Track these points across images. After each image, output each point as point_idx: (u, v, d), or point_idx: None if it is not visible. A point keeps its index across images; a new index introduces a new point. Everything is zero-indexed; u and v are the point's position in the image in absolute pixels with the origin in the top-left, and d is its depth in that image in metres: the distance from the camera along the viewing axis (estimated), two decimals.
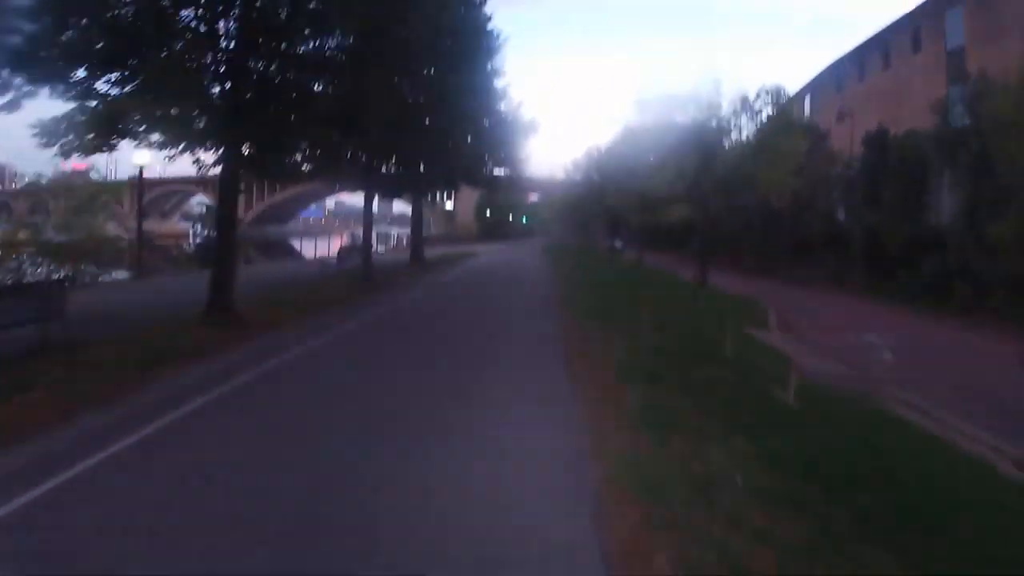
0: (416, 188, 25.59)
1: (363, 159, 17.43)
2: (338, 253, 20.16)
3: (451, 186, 30.42)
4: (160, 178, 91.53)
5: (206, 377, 6.86)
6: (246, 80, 9.55)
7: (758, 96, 19.37)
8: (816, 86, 40.15)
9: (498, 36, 23.35)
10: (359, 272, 17.57)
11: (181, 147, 9.56)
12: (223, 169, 10.13)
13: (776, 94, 19.28)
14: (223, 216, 10.72)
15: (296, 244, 53.19)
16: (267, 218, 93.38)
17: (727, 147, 19.76)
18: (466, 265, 28.84)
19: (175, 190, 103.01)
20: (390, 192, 26.36)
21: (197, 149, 9.75)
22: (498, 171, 30.09)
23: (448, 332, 10.68)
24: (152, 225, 70.31)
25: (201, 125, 9.23)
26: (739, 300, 17.88)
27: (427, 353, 8.71)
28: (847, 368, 10.73)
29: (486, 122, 25.86)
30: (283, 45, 9.74)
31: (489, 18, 22.77)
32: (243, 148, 10.27)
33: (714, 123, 19.46)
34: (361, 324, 10.98)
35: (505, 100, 26.32)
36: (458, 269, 26.02)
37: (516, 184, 36.32)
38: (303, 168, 13.73)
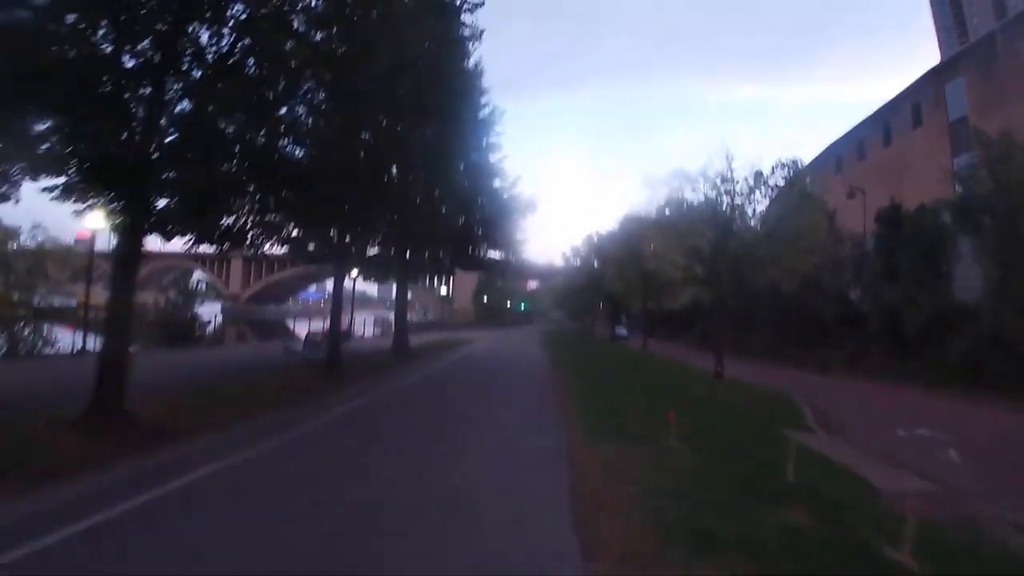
0: (400, 270, 23.80)
1: (334, 235, 15.65)
2: (305, 339, 17.75)
3: (441, 270, 28.74)
4: (158, 252, 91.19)
5: (27, 518, 4.58)
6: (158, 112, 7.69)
7: (773, 171, 18.04)
8: (815, 167, 40.12)
9: (494, 110, 22.44)
10: (326, 362, 15.24)
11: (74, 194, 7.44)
12: (120, 229, 8.03)
13: (792, 168, 17.92)
14: (116, 292, 8.10)
15: (293, 325, 51.70)
16: (265, 297, 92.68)
17: (743, 224, 18.19)
18: (456, 355, 26.28)
19: (173, 265, 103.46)
20: (374, 274, 24.60)
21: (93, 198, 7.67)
22: (493, 254, 28.03)
23: (407, 462, 7.03)
24: (145, 298, 69.53)
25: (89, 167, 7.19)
26: (762, 393, 15.77)
27: (366, 510, 5.24)
28: (922, 480, 8.81)
29: (480, 200, 24.25)
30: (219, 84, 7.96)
31: (484, 91, 21.93)
32: (155, 201, 8.11)
33: (729, 199, 17.99)
34: (297, 438, 8.28)
35: (501, 177, 24.73)
36: (446, 360, 23.34)
37: (513, 268, 34.48)
38: (246, 235, 11.69)
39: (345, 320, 40.53)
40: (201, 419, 8.60)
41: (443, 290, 76.76)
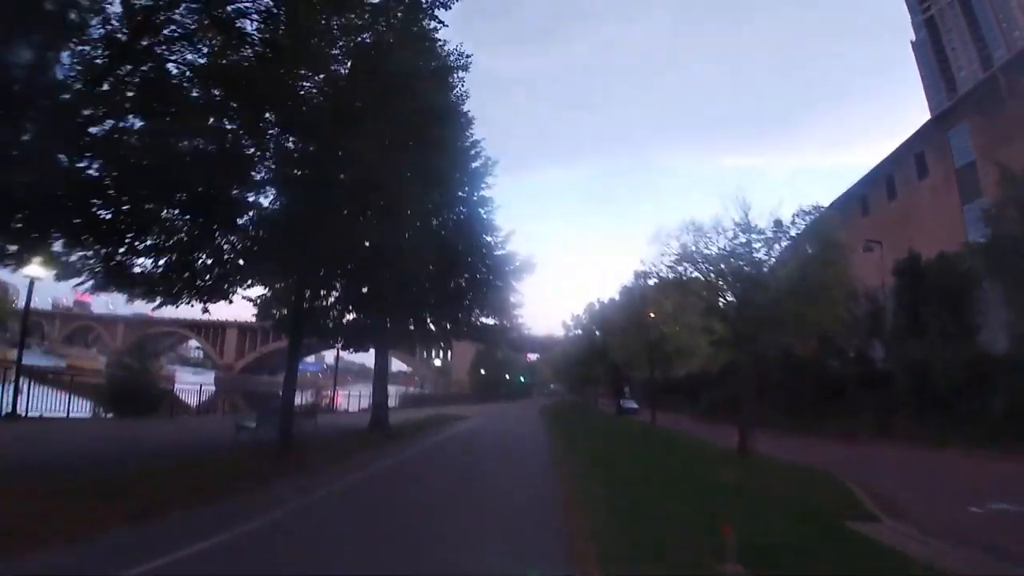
0: (379, 338, 21.59)
1: (291, 295, 13.70)
2: (259, 415, 15.27)
3: (429, 338, 26.23)
4: (151, 316, 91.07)
5: None
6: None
7: (794, 220, 16.39)
8: (815, 227, 39.21)
9: (487, 160, 20.63)
10: (285, 441, 12.81)
11: None
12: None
13: (814, 215, 16.30)
14: None
15: (306, 397, 48.85)
16: (260, 368, 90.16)
17: (769, 277, 16.33)
18: (445, 433, 23.40)
19: (168, 332, 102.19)
20: (351, 342, 22.37)
21: None
22: (488, 320, 25.13)
23: None
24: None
25: None
26: (799, 473, 13.36)
27: None
28: None
29: (471, 259, 21.76)
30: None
31: (478, 143, 20.47)
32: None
33: (751, 250, 16.26)
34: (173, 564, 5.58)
35: (493, 233, 22.33)
36: (432, 439, 20.54)
37: (509, 336, 31.96)
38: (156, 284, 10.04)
39: (328, 392, 38.38)
40: (61, 520, 6.30)
41: (437, 361, 73.93)
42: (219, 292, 12.46)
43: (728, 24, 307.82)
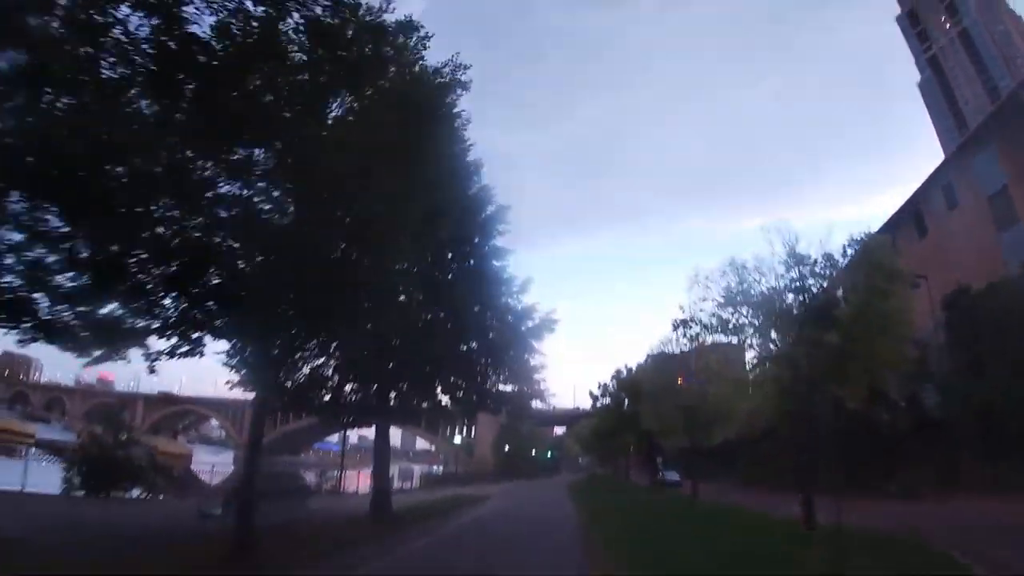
0: (379, 411, 19.01)
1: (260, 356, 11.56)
2: (223, 500, 12.73)
3: (438, 411, 23.31)
4: (172, 394, 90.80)
5: None
6: None
7: (846, 250, 14.24)
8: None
9: (499, 208, 19.00)
10: (240, 537, 10.24)
11: None
12: None
13: (869, 244, 14.06)
14: None
15: (309, 477, 46.12)
16: (280, 447, 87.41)
17: (837, 313, 13.90)
18: (458, 520, 19.85)
19: (187, 410, 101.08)
20: (352, 418, 19.98)
21: None
22: (507, 386, 21.88)
23: None
24: (153, 440, 67.84)
25: None
26: (884, 544, 10.72)
27: None
28: None
29: (487, 317, 19.28)
30: None
31: (489, 190, 18.90)
32: None
33: (805, 285, 14.02)
34: None
35: (509, 286, 19.81)
36: (440, 530, 16.52)
37: (530, 404, 28.69)
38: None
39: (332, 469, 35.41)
40: None
41: (457, 438, 70.01)
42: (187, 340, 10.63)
43: (734, 88, 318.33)
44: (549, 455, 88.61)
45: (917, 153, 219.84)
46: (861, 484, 21.71)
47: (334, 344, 15.52)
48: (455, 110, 13.88)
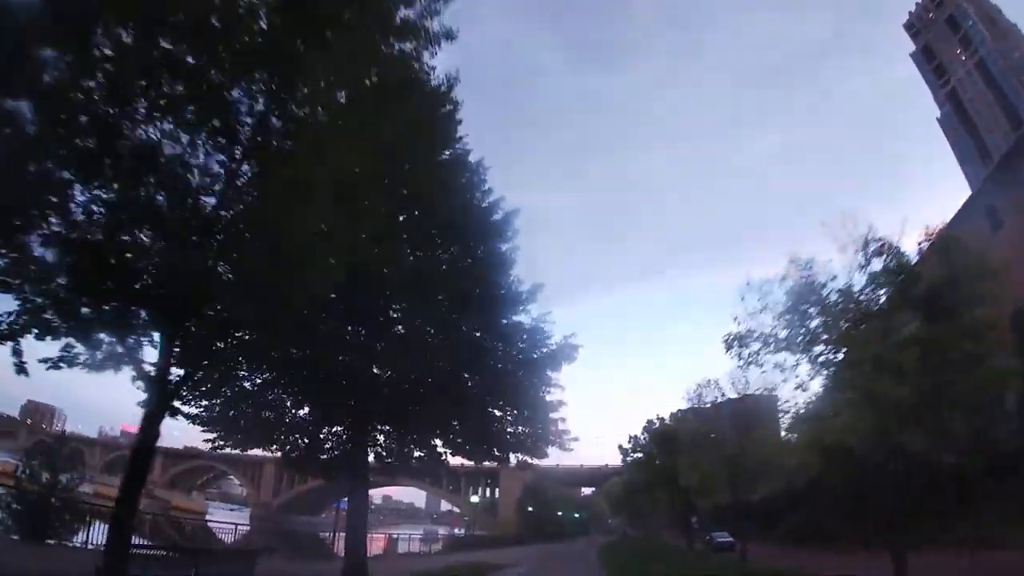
0: (353, 462, 16.24)
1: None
2: (143, 564, 10.06)
3: (438, 466, 19.84)
4: (192, 450, 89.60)
5: None
6: None
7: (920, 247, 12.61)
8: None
9: (509, 213, 16.34)
10: None
11: None
12: None
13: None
14: None
15: (327, 537, 43.14)
16: (297, 506, 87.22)
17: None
18: None
19: (207, 465, 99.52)
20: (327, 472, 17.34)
21: None
22: (523, 430, 18.20)
23: None
24: (166, 495, 68.63)
25: None
26: None
27: None
28: None
29: (497, 347, 16.26)
30: None
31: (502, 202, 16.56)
32: None
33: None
34: None
35: (521, 302, 16.57)
36: None
37: (544, 444, 23.94)
38: None
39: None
40: None
41: (474, 498, 65.49)
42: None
43: (745, 140, 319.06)
44: (578, 516, 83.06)
45: (937, 193, 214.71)
46: (926, 535, 18.34)
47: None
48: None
